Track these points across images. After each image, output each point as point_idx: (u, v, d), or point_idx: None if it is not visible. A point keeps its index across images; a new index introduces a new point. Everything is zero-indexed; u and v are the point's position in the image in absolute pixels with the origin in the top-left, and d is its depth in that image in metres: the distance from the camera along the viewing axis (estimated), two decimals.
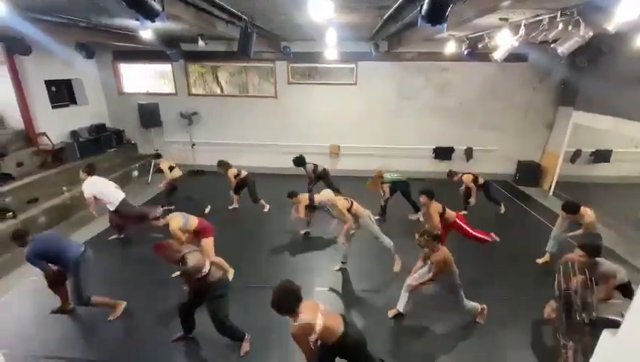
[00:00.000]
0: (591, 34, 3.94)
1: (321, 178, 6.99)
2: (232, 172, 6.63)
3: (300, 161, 6.80)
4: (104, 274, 4.73)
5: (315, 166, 6.93)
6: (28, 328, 3.92)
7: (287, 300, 2.45)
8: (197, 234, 4.40)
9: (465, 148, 9.00)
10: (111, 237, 5.82)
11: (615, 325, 1.72)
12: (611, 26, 3.46)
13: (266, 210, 6.93)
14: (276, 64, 8.76)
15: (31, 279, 4.61)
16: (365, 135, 9.17)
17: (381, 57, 7.94)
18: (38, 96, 7.32)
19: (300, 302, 2.48)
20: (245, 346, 3.52)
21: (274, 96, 9.14)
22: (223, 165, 6.64)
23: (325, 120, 9.09)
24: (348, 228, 4.61)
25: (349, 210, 4.63)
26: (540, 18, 4.23)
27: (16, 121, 7.18)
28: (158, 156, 7.14)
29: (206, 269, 3.20)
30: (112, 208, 5.41)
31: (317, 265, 5.16)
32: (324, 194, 5.03)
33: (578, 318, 1.92)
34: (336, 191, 5.85)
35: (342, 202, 4.67)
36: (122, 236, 5.84)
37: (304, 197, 5.40)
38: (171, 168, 6.74)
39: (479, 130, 8.87)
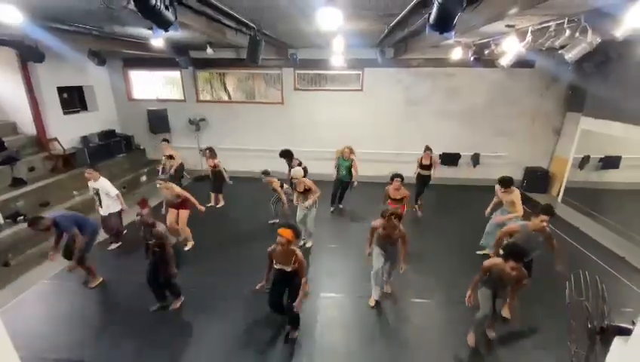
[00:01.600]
0: (599, 40, 3.94)
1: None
2: (214, 162, 7.11)
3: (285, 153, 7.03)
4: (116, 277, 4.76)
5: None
6: (40, 329, 3.98)
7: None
8: (183, 204, 5.43)
9: (472, 154, 8.97)
10: (110, 247, 5.69)
11: (627, 332, 1.71)
12: (619, 32, 3.46)
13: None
14: (283, 71, 8.86)
15: (42, 281, 4.70)
16: (371, 141, 9.17)
17: (387, 64, 7.99)
18: (50, 103, 7.48)
19: None
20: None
21: (280, 102, 9.22)
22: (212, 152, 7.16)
23: (332, 126, 9.13)
24: (317, 197, 5.43)
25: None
26: (547, 25, 4.24)
27: (28, 127, 7.33)
28: (166, 141, 7.92)
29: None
30: (114, 209, 5.51)
31: (326, 266, 5.18)
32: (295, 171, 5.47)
33: (590, 326, 1.91)
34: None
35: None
36: (120, 243, 5.77)
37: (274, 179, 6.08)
38: (171, 157, 7.51)
39: (486, 136, 8.85)
